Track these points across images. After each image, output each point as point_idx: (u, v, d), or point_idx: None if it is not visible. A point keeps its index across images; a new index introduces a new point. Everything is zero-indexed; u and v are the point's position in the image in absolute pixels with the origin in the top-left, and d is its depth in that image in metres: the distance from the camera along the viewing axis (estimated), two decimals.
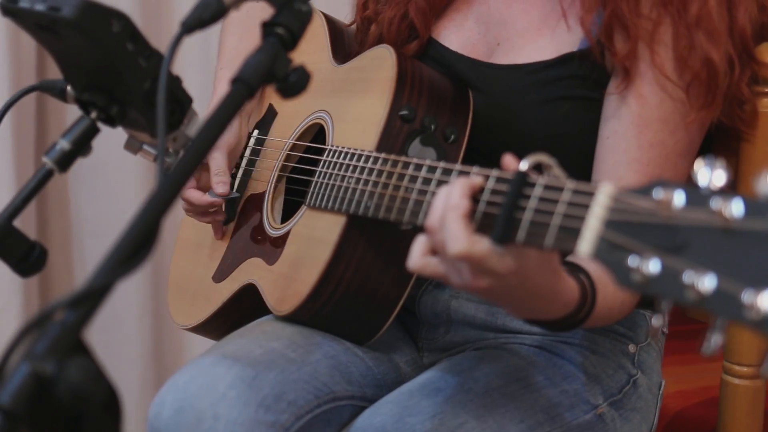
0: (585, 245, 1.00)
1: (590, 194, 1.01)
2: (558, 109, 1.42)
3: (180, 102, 1.25)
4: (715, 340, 0.91)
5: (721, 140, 1.52)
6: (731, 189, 0.93)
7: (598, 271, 1.20)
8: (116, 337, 2.51)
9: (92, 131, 1.22)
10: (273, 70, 1.12)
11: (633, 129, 1.37)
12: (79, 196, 2.50)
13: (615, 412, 1.47)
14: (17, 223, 1.25)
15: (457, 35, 1.53)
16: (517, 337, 1.50)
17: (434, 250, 1.11)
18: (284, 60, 1.13)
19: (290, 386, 1.36)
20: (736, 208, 0.91)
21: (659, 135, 1.36)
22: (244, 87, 1.10)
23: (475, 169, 1.15)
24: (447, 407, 1.36)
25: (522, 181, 1.08)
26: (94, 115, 1.21)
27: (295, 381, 1.37)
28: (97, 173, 2.47)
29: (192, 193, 1.60)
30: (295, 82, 1.14)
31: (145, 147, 1.33)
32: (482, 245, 1.07)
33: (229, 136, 1.61)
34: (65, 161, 1.23)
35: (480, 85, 1.47)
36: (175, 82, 1.23)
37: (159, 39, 2.31)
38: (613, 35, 1.36)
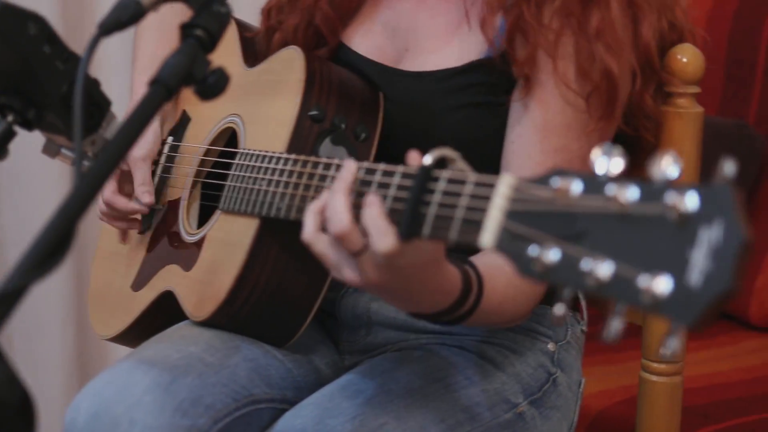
0: (487, 236, 1.00)
1: (491, 186, 1.02)
2: (466, 116, 1.43)
3: (98, 105, 1.25)
4: (615, 326, 0.92)
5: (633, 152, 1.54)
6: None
7: (486, 264, 1.22)
8: (39, 345, 2.48)
9: (8, 135, 1.20)
10: (192, 72, 1.12)
11: (537, 134, 1.38)
12: (3, 205, 2.48)
13: (535, 411, 1.48)
14: None
15: (365, 40, 1.53)
16: (438, 337, 1.51)
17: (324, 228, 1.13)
18: (203, 61, 1.13)
19: (208, 390, 1.35)
20: (630, 193, 0.92)
21: (563, 140, 1.38)
22: (162, 89, 1.09)
23: (381, 165, 1.16)
24: (367, 408, 1.36)
25: (426, 175, 1.09)
26: (10, 118, 1.20)
27: (213, 385, 1.36)
28: (17, 180, 2.45)
29: (117, 199, 1.59)
30: (213, 84, 1.14)
31: (63, 151, 1.32)
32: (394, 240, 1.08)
33: (153, 148, 1.61)
34: None
35: (389, 91, 1.48)
36: (93, 85, 1.22)
37: (81, 42, 2.29)
38: (515, 44, 1.38)
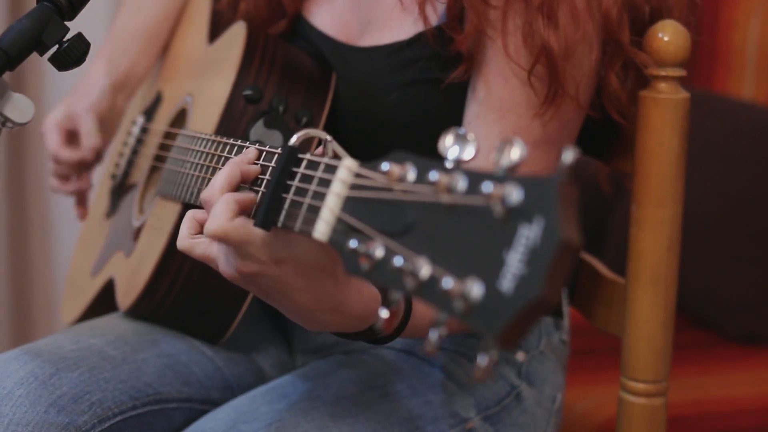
0: (321, 227, 0.89)
1: (333, 168, 0.90)
2: (415, 94, 1.30)
3: None
4: (432, 339, 0.79)
5: (620, 135, 1.38)
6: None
7: None
8: None
9: None
10: (42, 39, 1.04)
11: (494, 114, 1.24)
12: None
13: (490, 427, 1.34)
14: None
15: (329, 13, 1.42)
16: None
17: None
18: (58, 28, 1.05)
19: (97, 386, 1.25)
20: (458, 182, 0.79)
21: (523, 121, 1.23)
22: (1, 54, 1.02)
23: (279, 149, 1.04)
24: (287, 415, 1.25)
25: (289, 157, 0.97)
26: None
27: (105, 380, 1.26)
28: None
29: (62, 150, 1.53)
30: (65, 51, 1.06)
31: None
32: (243, 227, 0.97)
33: (98, 100, 1.54)
34: None
35: (340, 67, 1.36)
36: None
37: None
38: (456, 21, 1.25)
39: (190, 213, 1.06)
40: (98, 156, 1.55)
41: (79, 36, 1.08)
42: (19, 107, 1.18)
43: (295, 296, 1.02)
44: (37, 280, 2.47)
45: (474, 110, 1.26)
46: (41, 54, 1.07)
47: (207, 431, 1.25)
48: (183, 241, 1.05)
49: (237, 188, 1.03)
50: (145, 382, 1.29)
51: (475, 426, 1.33)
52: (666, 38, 1.29)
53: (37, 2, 1.06)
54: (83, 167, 1.56)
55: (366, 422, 1.27)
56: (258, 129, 1.29)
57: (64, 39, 1.06)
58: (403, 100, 1.30)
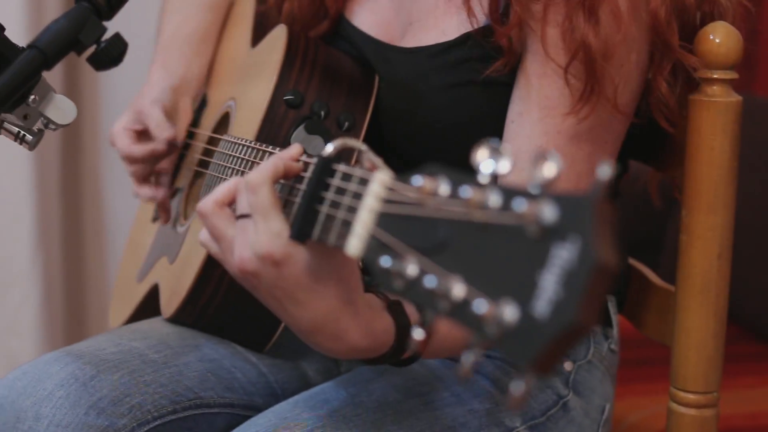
0: (354, 242, 0.86)
1: (366, 182, 0.88)
2: (461, 95, 1.28)
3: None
4: (466, 361, 0.77)
5: (670, 140, 1.35)
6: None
7: None
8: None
9: None
10: (79, 39, 1.03)
11: (537, 112, 1.22)
12: (112, 190, 2.47)
13: None
14: None
15: (371, 13, 1.40)
16: None
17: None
18: (96, 27, 1.04)
19: (137, 389, 1.25)
20: (492, 199, 0.76)
21: (568, 121, 1.20)
22: (38, 54, 1.01)
23: (314, 159, 1.03)
24: (329, 421, 1.23)
25: (324, 168, 0.96)
26: None
27: (146, 383, 1.26)
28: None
29: (133, 148, 1.49)
30: (103, 51, 1.05)
31: (6, 125, 1.25)
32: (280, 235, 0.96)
33: (160, 95, 1.50)
34: None
35: (383, 68, 1.35)
36: (14, 53, 1.14)
37: None
38: (500, 16, 1.23)
39: (232, 183, 1.02)
40: (171, 146, 1.50)
41: (117, 36, 1.07)
42: (61, 108, 1.18)
43: (292, 309, 0.98)
44: (91, 283, 2.48)
45: (518, 108, 1.24)
46: (79, 54, 1.06)
47: None
48: (207, 204, 1.01)
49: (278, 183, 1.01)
50: (186, 386, 1.29)
51: None
52: (717, 40, 1.25)
53: (75, 2, 1.05)
54: (158, 159, 1.51)
55: (408, 430, 1.25)
56: (299, 134, 1.28)
57: (102, 39, 1.05)
58: (446, 101, 1.29)
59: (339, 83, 1.31)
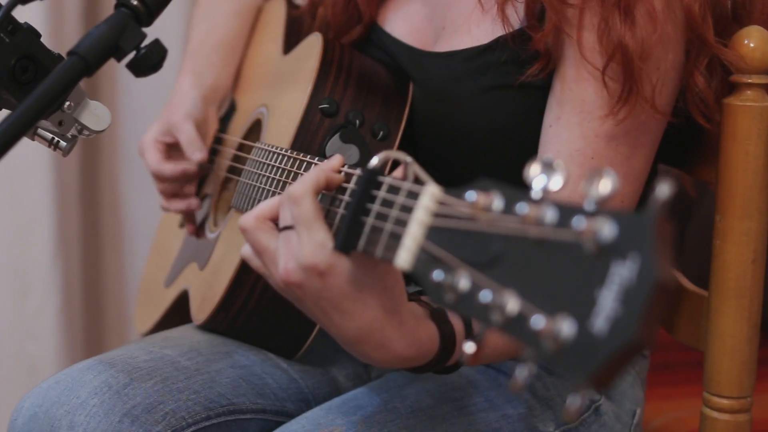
0: (404, 255, 0.86)
1: (417, 195, 0.88)
2: (495, 99, 1.27)
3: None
4: (521, 375, 0.77)
5: (701, 144, 1.35)
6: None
7: None
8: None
9: None
10: (119, 45, 1.03)
11: (575, 116, 1.21)
12: (130, 197, 2.47)
13: None
14: None
15: (403, 19, 1.40)
16: None
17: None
18: (135, 34, 1.04)
19: (171, 396, 1.25)
20: (547, 215, 0.76)
21: (606, 124, 1.20)
22: (79, 61, 1.01)
23: (358, 170, 1.03)
24: (363, 427, 1.24)
25: (370, 179, 0.95)
26: None
27: (179, 390, 1.26)
28: (148, 174, 2.42)
29: (162, 166, 1.49)
30: (143, 58, 1.05)
31: (40, 131, 1.25)
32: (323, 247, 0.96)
33: (192, 108, 1.50)
34: None
35: (418, 74, 1.34)
36: (53, 61, 1.14)
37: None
38: (536, 20, 1.22)
39: (276, 199, 1.02)
40: (202, 167, 1.51)
41: (157, 42, 1.06)
42: (95, 114, 1.18)
43: (337, 319, 0.98)
44: (110, 289, 2.48)
45: (555, 113, 1.24)
46: (119, 60, 1.05)
47: None
48: (248, 219, 1.02)
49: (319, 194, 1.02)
50: (218, 392, 1.29)
51: None
52: (752, 44, 1.25)
53: (115, 8, 1.05)
54: (188, 179, 1.51)
55: None
56: (334, 143, 1.27)
57: (142, 45, 1.05)
58: (481, 105, 1.28)
59: (374, 92, 1.31)
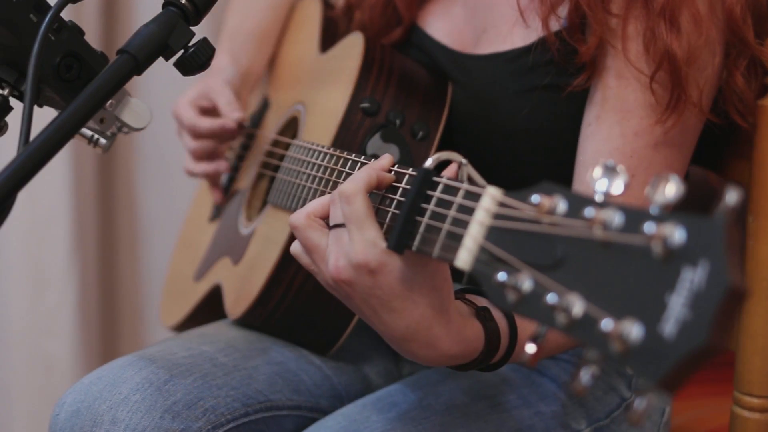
0: (464, 255, 0.87)
1: (476, 197, 0.88)
2: (535, 100, 1.28)
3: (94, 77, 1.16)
4: (584, 378, 0.78)
5: (733, 144, 1.35)
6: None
7: None
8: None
9: (4, 109, 1.13)
10: (168, 43, 1.03)
11: (615, 115, 1.22)
12: (146, 194, 2.47)
13: None
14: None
15: (443, 21, 1.40)
16: None
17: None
18: (184, 33, 1.04)
19: (210, 392, 1.25)
20: (614, 218, 0.77)
21: (644, 123, 1.21)
22: (130, 59, 1.01)
23: (410, 170, 1.03)
24: (398, 424, 1.24)
25: (425, 179, 0.96)
26: (6, 91, 1.13)
27: (218, 387, 1.26)
28: (165, 171, 2.43)
29: (200, 120, 1.48)
30: (192, 56, 1.05)
31: (81, 129, 1.25)
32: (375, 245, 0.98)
33: (231, 78, 1.51)
34: None
35: (458, 76, 1.35)
36: (96, 59, 1.14)
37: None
38: (579, 30, 1.23)
39: (326, 197, 1.03)
40: (240, 127, 1.49)
41: (205, 41, 1.07)
42: (136, 112, 1.18)
43: (386, 317, 0.99)
44: (126, 286, 2.49)
45: (594, 112, 1.24)
46: (167, 59, 1.06)
47: None
48: (299, 217, 1.02)
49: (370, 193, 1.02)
50: (256, 389, 1.29)
51: None
52: None
53: (163, 7, 1.05)
54: (223, 138, 1.50)
55: None
56: (375, 142, 1.28)
57: (190, 44, 1.06)
58: (522, 105, 1.29)
59: (414, 92, 1.31)
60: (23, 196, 2.28)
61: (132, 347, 2.42)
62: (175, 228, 2.29)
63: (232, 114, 1.47)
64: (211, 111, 1.50)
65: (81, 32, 1.14)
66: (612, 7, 1.20)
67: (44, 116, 1.15)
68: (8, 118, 1.16)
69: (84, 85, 1.11)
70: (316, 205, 1.03)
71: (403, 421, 1.25)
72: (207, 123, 1.48)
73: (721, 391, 1.41)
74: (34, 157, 0.93)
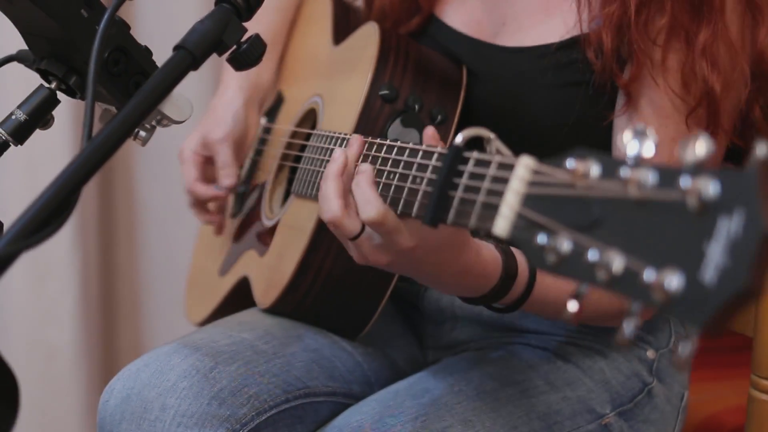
0: (501, 223, 0.91)
1: (510, 167, 0.92)
2: (568, 96, 1.32)
3: (146, 74, 1.19)
4: (629, 329, 0.81)
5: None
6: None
7: None
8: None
9: (51, 102, 1.17)
10: (222, 39, 1.07)
11: (655, 119, 1.26)
12: (144, 184, 2.50)
13: (624, 423, 1.36)
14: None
15: (461, 12, 1.44)
16: (523, 336, 1.41)
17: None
18: (237, 29, 1.08)
19: (253, 379, 1.29)
20: (648, 177, 0.81)
21: (681, 127, 1.25)
22: (187, 55, 1.04)
23: (439, 148, 1.07)
24: (432, 409, 1.28)
25: (456, 156, 1.00)
26: (53, 85, 1.17)
27: (260, 374, 1.30)
28: (163, 162, 2.45)
29: (197, 187, 1.56)
30: (245, 52, 1.09)
31: None
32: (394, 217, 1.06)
33: (233, 127, 1.56)
34: (21, 133, 1.18)
35: (483, 68, 1.39)
36: (141, 53, 1.17)
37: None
38: (619, 58, 1.27)
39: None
40: (231, 191, 1.57)
41: (257, 37, 1.10)
42: (177, 106, 1.21)
43: (425, 269, 1.11)
44: (125, 277, 2.51)
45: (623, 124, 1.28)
46: (220, 54, 1.09)
47: (353, 424, 1.28)
48: (335, 207, 1.08)
49: None
50: (295, 376, 1.33)
51: (610, 421, 1.35)
52: None
53: (216, 3, 1.09)
54: (217, 199, 1.58)
55: (507, 417, 1.29)
56: (395, 128, 1.32)
57: (242, 40, 1.09)
58: (552, 100, 1.33)
59: (431, 78, 1.36)
60: (24, 187, 2.29)
61: (132, 337, 2.45)
62: (175, 217, 2.35)
63: (224, 181, 1.55)
64: (212, 160, 1.58)
65: (127, 26, 1.17)
66: (655, 38, 1.24)
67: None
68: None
69: (129, 79, 1.15)
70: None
71: (437, 406, 1.28)
72: (202, 191, 1.57)
73: (738, 375, 1.44)
74: (99, 152, 0.96)
